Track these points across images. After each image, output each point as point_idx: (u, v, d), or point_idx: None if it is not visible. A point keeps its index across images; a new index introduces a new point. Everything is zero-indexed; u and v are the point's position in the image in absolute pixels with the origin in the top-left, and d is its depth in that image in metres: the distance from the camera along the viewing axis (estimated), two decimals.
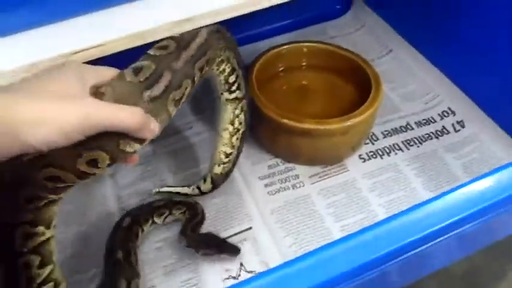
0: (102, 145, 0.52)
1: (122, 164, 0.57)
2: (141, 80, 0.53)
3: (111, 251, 0.73)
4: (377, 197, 0.85)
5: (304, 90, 0.99)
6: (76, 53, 0.57)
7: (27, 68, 0.55)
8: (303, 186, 0.86)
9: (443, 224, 0.51)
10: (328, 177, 0.88)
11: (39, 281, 0.64)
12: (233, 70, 0.72)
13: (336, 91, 0.97)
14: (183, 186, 0.84)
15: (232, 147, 0.80)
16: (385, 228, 0.53)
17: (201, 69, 0.62)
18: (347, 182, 0.87)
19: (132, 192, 0.87)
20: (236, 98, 0.76)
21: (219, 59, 0.68)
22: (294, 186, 0.86)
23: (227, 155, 0.80)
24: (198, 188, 0.83)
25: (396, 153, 0.91)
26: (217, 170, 0.81)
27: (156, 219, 0.79)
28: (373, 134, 0.95)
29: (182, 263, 0.77)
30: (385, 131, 0.96)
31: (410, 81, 1.06)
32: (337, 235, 0.79)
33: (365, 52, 0.99)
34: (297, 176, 0.88)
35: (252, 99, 0.83)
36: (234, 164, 0.84)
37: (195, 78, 0.61)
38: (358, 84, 0.94)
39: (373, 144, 0.93)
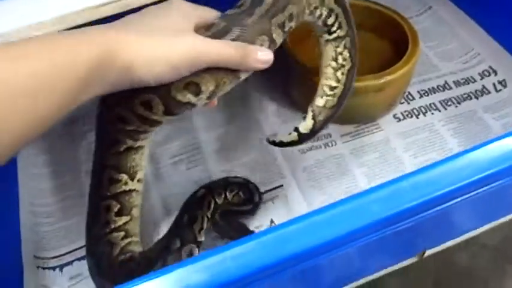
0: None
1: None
2: (209, 34, 0.54)
3: (179, 216, 0.73)
4: (411, 157, 0.82)
5: None
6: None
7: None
8: (335, 145, 0.85)
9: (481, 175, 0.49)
10: (361, 137, 0.86)
11: (112, 226, 0.69)
12: (331, 11, 0.68)
13: (371, 48, 0.93)
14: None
15: (338, 81, 0.72)
16: (417, 178, 0.51)
17: (281, 26, 0.60)
18: (381, 141, 0.85)
19: None
20: (338, 37, 0.72)
21: (312, 7, 0.65)
22: (326, 145, 0.85)
23: (331, 88, 0.72)
24: (297, 129, 0.72)
25: (433, 113, 0.88)
26: (320, 102, 0.72)
27: (228, 195, 0.77)
28: (409, 93, 0.91)
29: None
30: (422, 90, 0.92)
31: (449, 40, 1.02)
32: None
33: (403, 9, 0.95)
34: (329, 135, 0.86)
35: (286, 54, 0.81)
36: (340, 104, 0.73)
37: (274, 36, 0.59)
38: (395, 42, 0.91)
39: (408, 103, 0.90)
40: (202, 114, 0.92)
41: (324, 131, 0.86)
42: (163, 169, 0.86)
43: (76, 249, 0.77)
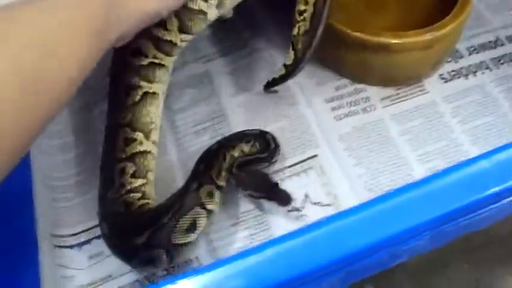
0: None
1: None
2: None
3: (196, 164, 0.69)
4: (460, 123, 0.74)
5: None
6: None
7: None
8: (375, 109, 0.76)
9: None
10: (404, 100, 0.77)
11: (128, 187, 0.67)
12: None
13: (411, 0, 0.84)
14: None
15: (305, 3, 0.71)
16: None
17: None
18: (425, 105, 0.76)
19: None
20: None
21: None
22: (364, 110, 0.77)
23: (301, 12, 0.71)
24: (284, 65, 0.75)
25: (483, 73, 0.79)
26: (294, 30, 0.72)
27: (244, 146, 0.72)
28: (457, 50, 0.82)
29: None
30: (471, 47, 0.82)
31: None
32: (415, 165, 0.70)
33: None
34: (367, 99, 0.78)
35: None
36: (314, 28, 0.71)
37: None
38: None
39: (456, 62, 0.81)
40: (225, 77, 0.85)
41: (362, 94, 0.78)
42: (184, 138, 0.79)
43: (95, 226, 0.71)
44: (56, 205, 0.76)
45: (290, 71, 0.75)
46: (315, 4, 0.71)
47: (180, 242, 0.62)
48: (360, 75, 0.79)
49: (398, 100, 0.77)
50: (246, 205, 0.71)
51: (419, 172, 0.70)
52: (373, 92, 0.78)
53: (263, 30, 0.90)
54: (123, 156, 0.68)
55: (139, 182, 0.68)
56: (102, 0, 0.48)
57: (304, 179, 0.72)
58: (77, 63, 0.46)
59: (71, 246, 0.72)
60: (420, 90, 0.78)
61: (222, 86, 0.84)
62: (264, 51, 0.86)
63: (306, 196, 0.70)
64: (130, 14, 0.52)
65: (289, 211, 0.69)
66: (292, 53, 0.73)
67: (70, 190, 0.78)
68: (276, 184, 0.68)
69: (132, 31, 0.55)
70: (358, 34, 0.71)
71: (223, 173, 0.69)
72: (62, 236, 0.73)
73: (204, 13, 0.65)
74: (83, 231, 0.72)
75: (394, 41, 0.70)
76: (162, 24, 0.63)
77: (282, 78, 0.76)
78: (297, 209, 0.69)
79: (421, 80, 0.78)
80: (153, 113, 0.70)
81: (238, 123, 0.79)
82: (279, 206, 0.66)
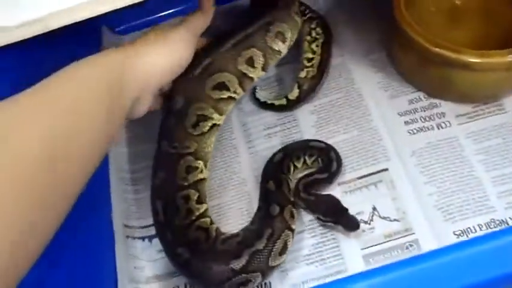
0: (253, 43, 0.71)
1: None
2: None
3: (262, 182, 0.74)
4: None
5: (455, 13, 0.84)
6: None
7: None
8: (449, 126, 0.75)
9: None
10: (481, 118, 0.75)
11: (197, 213, 0.69)
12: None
13: (494, 15, 0.82)
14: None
15: (313, 52, 0.84)
16: None
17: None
18: (504, 125, 0.74)
19: None
20: (310, 18, 0.86)
21: None
22: (438, 126, 0.75)
23: (309, 60, 0.83)
24: (286, 97, 0.82)
25: None
26: (302, 74, 0.83)
27: (307, 159, 0.75)
28: None
29: None
30: None
31: None
32: (489, 187, 0.69)
33: None
34: (442, 114, 0.76)
35: (396, 20, 0.73)
36: (321, 72, 0.83)
37: None
38: None
39: None
40: None
41: (437, 109, 0.77)
42: (255, 141, 0.81)
43: None
44: (127, 196, 0.80)
45: (291, 105, 0.82)
46: (321, 54, 0.84)
47: (274, 264, 0.65)
48: (437, 89, 0.78)
49: (475, 118, 0.75)
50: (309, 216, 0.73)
51: (493, 195, 0.69)
52: (449, 107, 0.77)
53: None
54: (186, 184, 0.69)
55: (204, 207, 0.70)
56: (119, 65, 0.54)
57: (373, 191, 0.72)
58: (99, 131, 0.49)
59: (142, 238, 0.75)
60: (498, 109, 0.76)
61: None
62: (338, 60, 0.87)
63: (374, 209, 0.71)
64: (138, 77, 0.57)
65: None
66: (297, 92, 0.81)
67: (140, 182, 0.81)
68: (346, 210, 0.69)
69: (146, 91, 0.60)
70: (440, 50, 0.69)
71: (291, 187, 0.73)
72: (132, 228, 0.76)
73: (280, 53, 0.74)
74: (152, 225, 0.74)
75: (476, 60, 0.68)
76: (250, 61, 0.71)
77: (280, 108, 0.83)
78: (365, 222, 0.70)
79: (499, 99, 0.76)
80: (212, 143, 0.73)
81: (308, 129, 0.80)
82: (347, 232, 0.68)
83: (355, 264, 0.67)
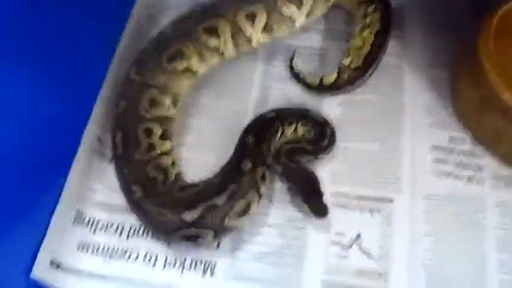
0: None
1: None
2: None
3: (243, 135, 0.66)
4: None
5: None
6: None
7: None
8: (482, 185, 0.64)
9: None
10: None
11: (159, 151, 0.63)
12: None
13: None
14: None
15: (363, 41, 0.72)
16: None
17: None
18: None
19: None
20: (369, 1, 0.74)
21: None
22: (470, 179, 0.64)
23: (357, 48, 0.72)
24: (321, 79, 0.71)
25: None
26: (346, 61, 0.72)
27: (299, 128, 0.68)
28: None
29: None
30: None
31: None
32: (491, 270, 0.59)
33: None
34: (480, 168, 0.65)
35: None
36: (367, 64, 0.71)
37: None
38: None
39: None
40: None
41: (476, 160, 0.66)
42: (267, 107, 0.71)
43: None
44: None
45: (322, 89, 0.72)
46: (372, 45, 0.71)
47: (230, 225, 0.59)
48: (487, 138, 0.66)
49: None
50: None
51: (493, 280, 0.59)
52: (491, 164, 0.66)
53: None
54: (148, 116, 0.64)
55: (168, 145, 0.65)
56: None
57: (366, 218, 0.63)
58: None
59: (110, 160, 0.67)
60: None
61: None
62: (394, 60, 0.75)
63: (358, 237, 0.62)
64: None
65: (332, 242, 0.61)
66: (334, 77, 0.71)
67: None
68: (321, 194, 0.62)
69: None
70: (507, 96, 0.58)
71: (272, 150, 0.65)
72: (106, 145, 0.68)
73: (293, 19, 0.66)
74: None
75: None
76: (250, 17, 0.65)
77: (309, 86, 0.72)
78: (342, 246, 0.61)
79: None
80: (185, 87, 0.68)
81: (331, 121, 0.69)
82: (311, 214, 0.60)
83: (310, 285, 0.59)
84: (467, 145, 0.67)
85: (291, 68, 0.73)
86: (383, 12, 0.73)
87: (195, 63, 0.67)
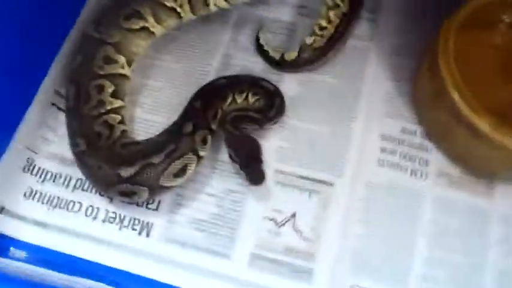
0: None
1: None
2: None
3: (192, 99, 0.66)
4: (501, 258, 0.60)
5: None
6: None
7: None
8: (424, 179, 0.64)
9: None
10: (461, 190, 0.63)
11: (109, 107, 0.64)
12: None
13: None
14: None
15: (329, 22, 0.71)
16: None
17: None
18: (476, 209, 0.62)
19: None
20: None
21: None
22: (413, 173, 0.64)
23: (321, 28, 0.71)
24: (282, 55, 0.71)
25: None
26: (308, 40, 0.71)
27: (250, 96, 0.67)
28: None
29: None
30: None
31: None
32: (416, 265, 0.60)
33: None
34: (426, 162, 0.65)
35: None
36: (329, 45, 0.70)
37: None
38: None
39: None
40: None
41: (424, 154, 0.66)
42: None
43: None
44: None
45: (282, 66, 0.72)
46: (337, 27, 0.70)
47: (166, 184, 0.60)
48: (438, 135, 0.66)
49: (457, 186, 0.64)
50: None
51: (417, 275, 0.60)
52: (438, 160, 0.65)
53: None
54: (101, 73, 0.65)
55: (119, 103, 0.66)
56: None
57: (303, 198, 0.64)
58: None
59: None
60: (486, 191, 0.63)
61: None
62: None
63: (293, 216, 0.63)
64: None
65: (267, 218, 0.63)
66: (294, 55, 0.70)
67: None
68: (260, 161, 0.62)
69: None
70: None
71: (219, 116, 0.65)
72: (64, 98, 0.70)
73: None
74: None
75: (492, 135, 0.56)
76: None
77: (270, 61, 0.72)
78: (276, 223, 0.63)
79: (492, 181, 0.64)
80: (142, 47, 0.69)
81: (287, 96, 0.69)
82: (246, 180, 0.61)
83: (239, 257, 0.61)
84: (418, 138, 0.67)
85: (257, 39, 0.73)
86: None
87: (151, 23, 0.67)
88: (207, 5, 0.68)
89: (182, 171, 0.60)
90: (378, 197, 0.64)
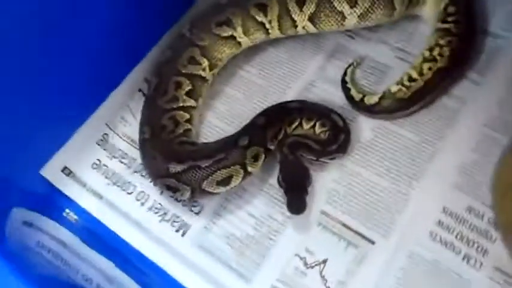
0: None
1: None
2: None
3: (258, 114, 0.66)
4: None
5: None
6: None
7: None
8: (478, 270, 0.57)
9: None
10: None
11: (181, 104, 0.68)
12: (454, 2, 0.68)
13: None
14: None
15: (420, 74, 0.66)
16: None
17: None
18: None
19: None
20: (447, 30, 0.68)
21: None
22: (466, 258, 0.58)
23: (410, 79, 0.66)
24: (363, 96, 0.68)
25: None
26: (394, 88, 0.67)
27: (317, 126, 0.66)
28: None
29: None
30: None
31: None
32: None
33: None
34: (484, 252, 0.58)
35: None
36: (414, 99, 0.66)
37: None
38: None
39: None
40: None
41: (483, 242, 0.59)
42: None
43: None
44: None
45: (359, 107, 0.68)
46: (427, 82, 0.65)
47: (208, 189, 0.62)
48: (509, 227, 0.58)
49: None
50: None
51: None
52: (499, 254, 0.58)
53: None
54: (183, 71, 0.68)
55: (192, 102, 0.68)
56: None
57: (340, 247, 0.61)
58: None
59: None
60: None
61: None
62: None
63: (324, 262, 0.60)
64: None
65: (298, 256, 0.61)
66: (375, 100, 0.67)
67: None
68: (304, 190, 0.61)
69: None
70: None
71: (279, 137, 0.65)
72: None
73: (343, 17, 0.66)
74: None
75: None
76: (301, 1, 0.66)
77: (349, 98, 0.69)
78: (305, 263, 0.61)
79: None
80: (226, 55, 0.71)
81: (353, 140, 0.66)
82: (287, 209, 0.59)
83: (259, 284, 0.61)
84: (483, 223, 0.60)
85: (344, 73, 0.71)
86: (455, 50, 0.65)
87: (239, 33, 0.69)
88: (295, 26, 0.68)
89: (226, 181, 0.61)
90: (420, 272, 0.58)
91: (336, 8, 0.65)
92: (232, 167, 0.61)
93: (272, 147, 0.64)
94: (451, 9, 0.67)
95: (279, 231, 0.63)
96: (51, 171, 0.69)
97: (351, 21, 0.66)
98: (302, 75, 0.73)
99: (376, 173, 0.65)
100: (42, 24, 0.58)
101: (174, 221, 0.66)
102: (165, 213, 0.67)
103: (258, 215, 0.65)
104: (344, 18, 0.66)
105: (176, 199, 0.66)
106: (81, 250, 0.66)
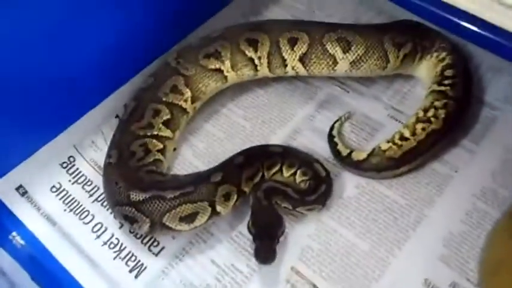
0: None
1: None
2: None
3: (237, 153, 0.62)
4: None
5: None
6: None
7: None
8: None
9: None
10: None
11: (155, 133, 0.64)
12: (452, 66, 0.67)
13: None
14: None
15: (413, 134, 0.63)
16: None
17: None
18: None
19: None
20: (443, 93, 0.65)
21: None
22: None
23: (402, 138, 0.63)
24: (351, 152, 0.64)
25: None
26: (384, 146, 0.63)
27: (297, 175, 0.62)
28: None
29: None
30: None
31: None
32: None
33: None
34: None
35: None
36: (404, 160, 0.61)
37: None
38: None
39: None
40: None
41: None
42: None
43: None
44: None
45: (345, 162, 0.64)
46: (419, 143, 0.61)
47: (169, 225, 0.56)
48: None
49: None
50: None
51: None
52: None
53: None
54: (164, 99, 0.65)
55: (167, 133, 0.65)
56: None
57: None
58: None
59: None
60: None
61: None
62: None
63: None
64: None
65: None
66: (363, 156, 0.62)
67: None
68: (274, 240, 0.55)
69: None
70: None
71: (256, 180, 0.60)
72: None
73: (335, 61, 0.64)
74: None
75: None
76: (292, 41, 0.65)
77: (335, 153, 0.65)
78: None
79: None
80: (210, 89, 0.68)
81: (334, 198, 0.62)
82: (255, 256, 0.53)
83: None
84: None
85: (331, 128, 0.67)
86: (451, 114, 0.62)
87: (226, 67, 0.67)
88: (285, 66, 0.66)
89: (190, 218, 0.56)
90: None
91: (328, 51, 0.63)
92: (199, 203, 0.56)
93: (246, 190, 0.59)
94: (448, 72, 0.65)
95: (242, 285, 0.57)
96: (3, 188, 0.63)
97: (343, 67, 0.64)
98: (289, 121, 0.69)
99: (356, 233, 0.59)
100: (21, 40, 0.54)
101: (129, 260, 0.60)
102: (120, 250, 0.61)
103: (221, 263, 0.58)
104: (336, 63, 0.64)
105: (134, 233, 0.60)
106: (21, 281, 0.59)
